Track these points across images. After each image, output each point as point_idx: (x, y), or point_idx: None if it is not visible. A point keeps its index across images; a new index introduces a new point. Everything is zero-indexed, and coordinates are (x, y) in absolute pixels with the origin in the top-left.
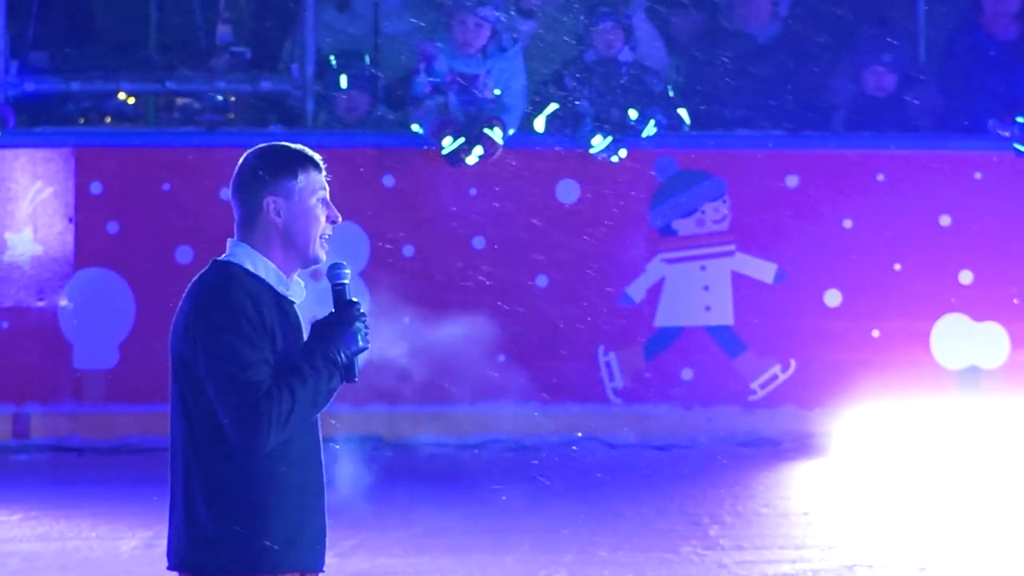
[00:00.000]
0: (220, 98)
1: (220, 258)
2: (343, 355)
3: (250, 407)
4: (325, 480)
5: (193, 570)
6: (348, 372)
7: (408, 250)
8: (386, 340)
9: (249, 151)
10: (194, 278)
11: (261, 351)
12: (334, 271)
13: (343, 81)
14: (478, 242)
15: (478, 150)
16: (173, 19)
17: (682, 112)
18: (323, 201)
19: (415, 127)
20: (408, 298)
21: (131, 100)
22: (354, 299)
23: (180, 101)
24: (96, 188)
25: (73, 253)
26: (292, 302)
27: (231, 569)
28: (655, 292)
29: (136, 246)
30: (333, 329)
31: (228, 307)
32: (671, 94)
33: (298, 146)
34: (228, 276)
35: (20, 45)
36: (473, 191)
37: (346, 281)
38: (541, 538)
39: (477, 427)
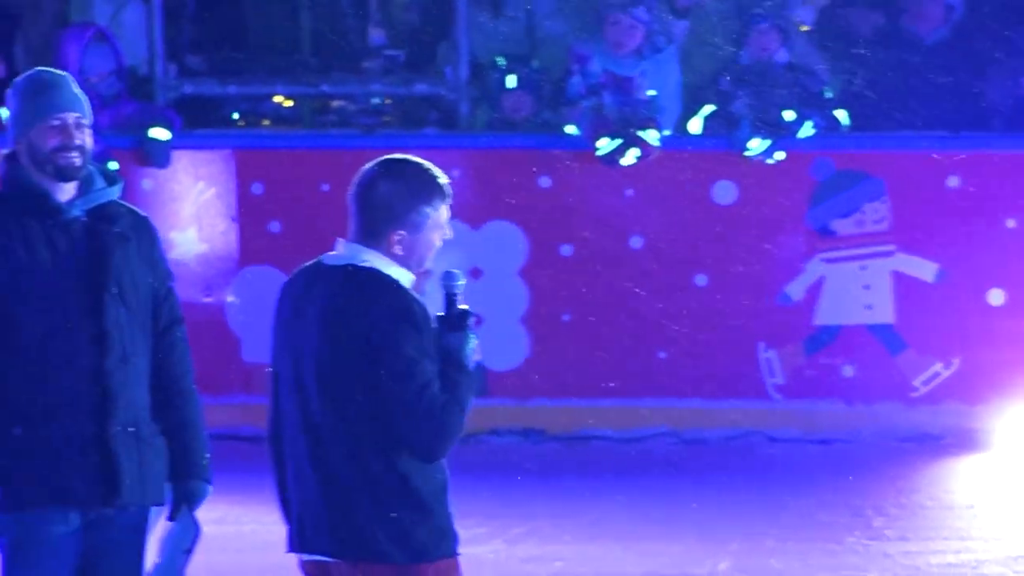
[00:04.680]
0: (378, 101)
1: (354, 263)
2: (471, 365)
3: (436, 422)
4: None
5: (358, 557)
6: None
7: (566, 250)
8: (547, 337)
9: (380, 164)
10: (319, 279)
11: (435, 363)
12: (449, 280)
13: (511, 81)
14: (636, 242)
15: (634, 152)
16: (326, 23)
17: (840, 113)
18: (443, 226)
19: (571, 128)
20: (567, 297)
21: (288, 103)
22: (465, 307)
23: (335, 104)
24: (257, 189)
25: (237, 251)
26: None
27: (399, 559)
28: (815, 291)
29: (298, 245)
30: (460, 340)
31: (411, 320)
32: (828, 95)
33: (430, 170)
34: (394, 285)
35: (177, 49)
36: (630, 191)
37: (459, 291)
38: (707, 528)
39: (640, 422)
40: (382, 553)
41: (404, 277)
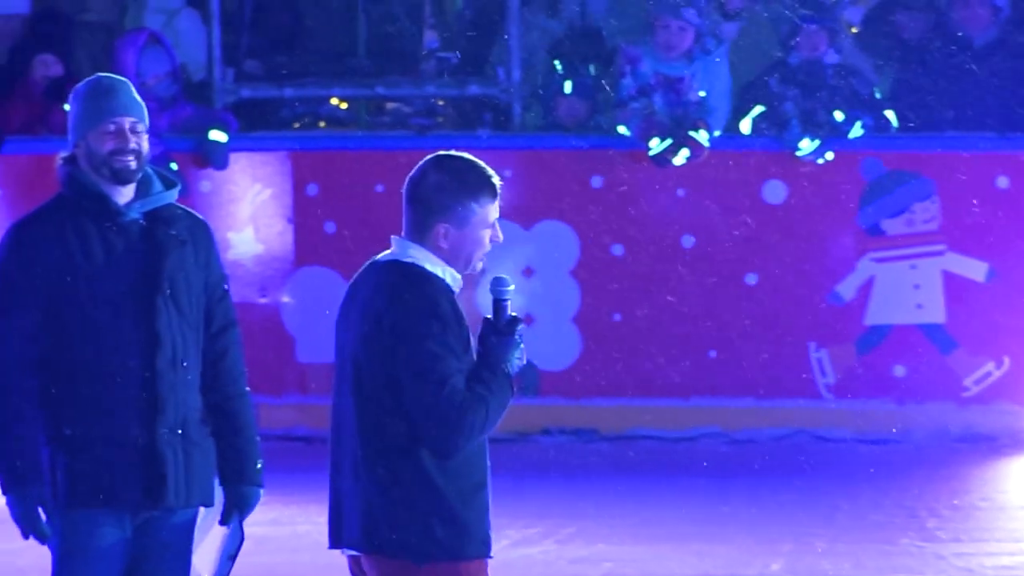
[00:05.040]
0: (439, 103)
1: (399, 258)
2: (512, 370)
3: (452, 417)
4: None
5: (388, 554)
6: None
7: (617, 249)
8: (598, 337)
9: (432, 159)
10: (367, 276)
11: (460, 360)
12: (497, 285)
13: (567, 88)
14: (687, 241)
15: (685, 152)
16: (381, 26)
17: (889, 114)
18: (493, 224)
19: (622, 129)
20: (618, 296)
21: (343, 105)
22: (515, 314)
23: (390, 105)
24: (312, 190)
25: (292, 252)
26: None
27: (414, 556)
28: (865, 290)
29: (352, 245)
30: (505, 345)
31: (435, 315)
32: (877, 96)
33: (481, 167)
34: (428, 282)
35: (235, 54)
36: (681, 192)
37: (508, 298)
38: (758, 529)
39: (691, 421)
40: (396, 549)
41: (449, 275)
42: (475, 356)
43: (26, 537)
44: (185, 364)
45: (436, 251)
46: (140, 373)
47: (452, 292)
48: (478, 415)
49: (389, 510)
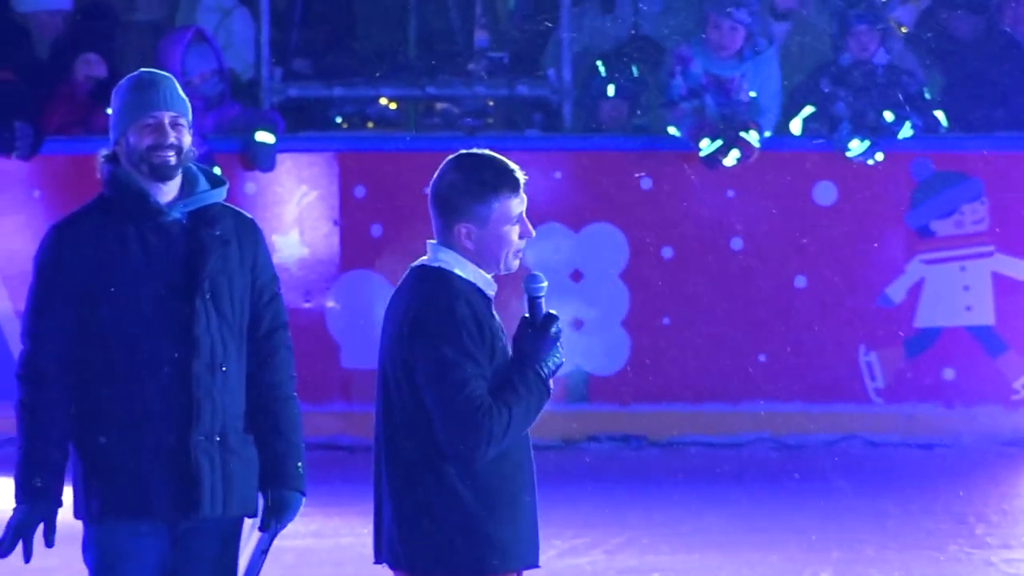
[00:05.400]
0: (489, 103)
1: (428, 263)
2: (547, 370)
3: (469, 423)
4: (535, 480)
5: (407, 569)
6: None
7: (667, 252)
8: (647, 341)
9: (451, 159)
10: (402, 282)
11: (480, 365)
12: (531, 283)
13: (610, 90)
14: (736, 243)
15: (735, 153)
16: (431, 26)
17: (939, 114)
18: (519, 220)
19: (672, 130)
20: (667, 299)
21: (393, 105)
22: (552, 312)
23: (440, 106)
24: (360, 192)
25: (338, 256)
26: (491, 300)
27: (436, 571)
28: (915, 292)
29: (399, 249)
30: (537, 344)
31: (451, 319)
32: (927, 96)
33: (500, 162)
34: (447, 285)
35: (283, 52)
36: (731, 193)
37: (542, 294)
38: (807, 537)
39: (740, 426)
40: (418, 564)
41: (479, 276)
42: (509, 358)
43: (1, 547)
44: (224, 369)
45: (463, 252)
46: (176, 378)
47: (481, 294)
48: (498, 421)
49: (412, 523)
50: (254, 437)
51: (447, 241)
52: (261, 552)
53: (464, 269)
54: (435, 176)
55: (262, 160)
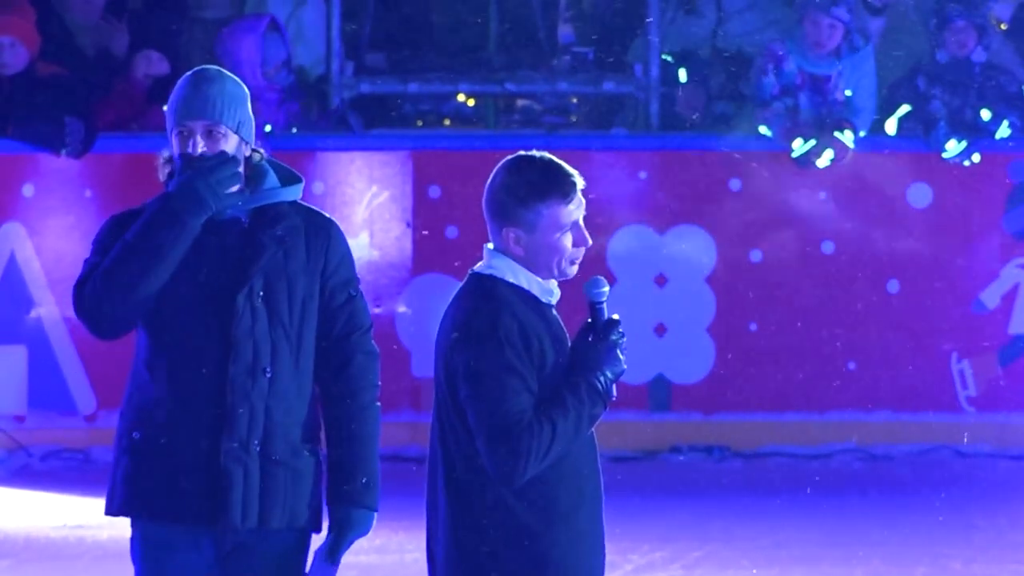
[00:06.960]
0: (573, 100)
1: (480, 270)
2: (605, 379)
3: (509, 440)
4: (602, 489)
5: None
6: (606, 395)
7: (755, 255)
8: (733, 348)
9: (505, 162)
10: (457, 290)
11: (523, 379)
12: (593, 288)
13: (682, 75)
14: (827, 247)
15: (829, 153)
16: (513, 19)
17: None
18: (572, 227)
19: (763, 129)
20: (756, 304)
21: (471, 102)
22: (615, 317)
23: (520, 103)
24: (434, 192)
25: (411, 259)
26: (552, 306)
27: None
28: (1010, 298)
29: (475, 252)
30: (597, 352)
31: (492, 332)
32: None
33: (552, 166)
34: (493, 295)
35: (356, 46)
36: (823, 195)
37: (604, 300)
38: (892, 550)
39: (827, 436)
40: None
41: (533, 283)
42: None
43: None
44: (269, 373)
45: (515, 258)
46: (214, 380)
47: (536, 301)
48: (541, 438)
49: (464, 539)
50: (329, 447)
51: (501, 246)
52: (324, 569)
53: (517, 276)
54: (490, 177)
55: None
